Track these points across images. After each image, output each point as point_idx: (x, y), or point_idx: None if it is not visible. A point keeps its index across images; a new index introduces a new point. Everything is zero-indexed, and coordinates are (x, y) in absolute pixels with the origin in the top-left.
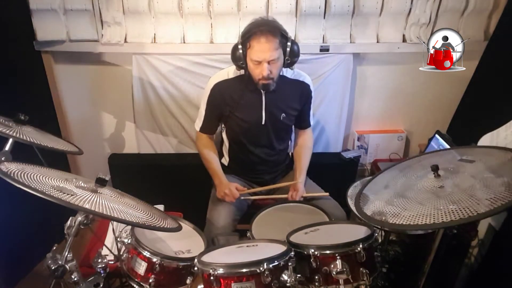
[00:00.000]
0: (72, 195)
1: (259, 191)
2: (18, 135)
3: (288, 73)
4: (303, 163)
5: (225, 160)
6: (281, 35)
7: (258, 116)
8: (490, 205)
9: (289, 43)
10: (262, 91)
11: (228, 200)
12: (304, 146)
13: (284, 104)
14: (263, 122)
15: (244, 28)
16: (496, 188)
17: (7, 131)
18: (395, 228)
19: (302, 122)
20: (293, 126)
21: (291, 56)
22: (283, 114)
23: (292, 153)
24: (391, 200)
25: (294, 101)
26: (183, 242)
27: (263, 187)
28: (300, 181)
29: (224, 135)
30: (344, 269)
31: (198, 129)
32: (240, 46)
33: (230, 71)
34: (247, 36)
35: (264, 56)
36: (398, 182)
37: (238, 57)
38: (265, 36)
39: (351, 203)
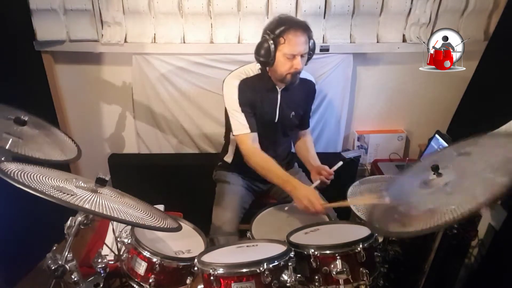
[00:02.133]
0: (72, 195)
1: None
2: (15, 149)
3: None
4: (313, 152)
5: (229, 157)
6: (310, 30)
7: (272, 114)
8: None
9: (311, 39)
10: (278, 89)
11: (311, 211)
12: (307, 141)
13: (294, 102)
14: (275, 120)
15: (271, 25)
16: (495, 183)
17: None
18: (401, 236)
19: (304, 122)
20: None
21: (312, 51)
22: (293, 113)
23: (293, 152)
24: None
25: (302, 100)
26: (183, 242)
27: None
28: (318, 163)
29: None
30: (344, 269)
31: (248, 130)
32: (271, 42)
33: (247, 70)
34: (282, 30)
35: (300, 49)
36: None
37: (267, 54)
38: (301, 29)
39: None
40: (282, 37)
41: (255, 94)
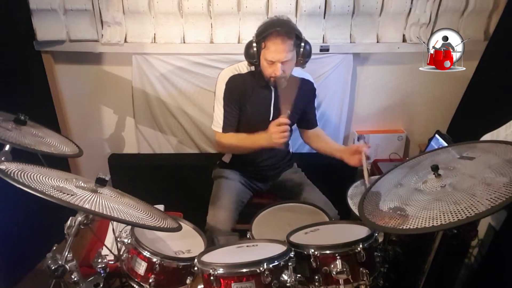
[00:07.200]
0: (72, 195)
1: None
2: (16, 140)
3: (294, 71)
4: (332, 141)
5: (228, 156)
6: (296, 37)
7: (267, 112)
8: (490, 204)
9: (302, 44)
10: (272, 87)
11: (282, 139)
12: (321, 135)
13: (290, 101)
14: (270, 118)
15: (259, 27)
16: (496, 186)
17: (5, 136)
18: (399, 233)
19: (311, 121)
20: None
21: (304, 56)
22: (288, 111)
23: (292, 152)
24: (395, 206)
25: (299, 99)
26: (183, 242)
27: None
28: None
29: None
30: (344, 269)
31: (220, 129)
32: (254, 44)
33: (241, 66)
34: (263, 36)
35: (278, 57)
36: (399, 188)
37: (252, 55)
38: (281, 37)
39: (351, 203)
40: (263, 42)
41: (245, 91)
